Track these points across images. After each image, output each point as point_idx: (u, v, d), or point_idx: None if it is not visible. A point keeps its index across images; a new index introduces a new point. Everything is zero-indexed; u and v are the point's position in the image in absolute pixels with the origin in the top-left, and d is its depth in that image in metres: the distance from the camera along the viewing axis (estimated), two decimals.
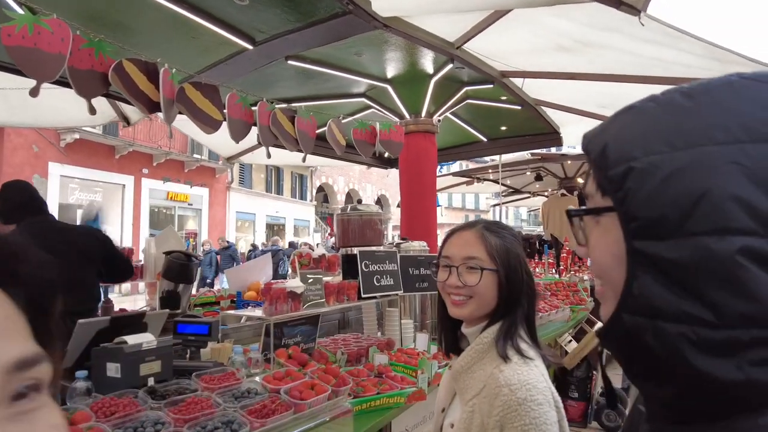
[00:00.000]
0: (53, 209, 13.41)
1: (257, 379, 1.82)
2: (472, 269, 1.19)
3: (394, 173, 5.44)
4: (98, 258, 2.85)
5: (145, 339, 1.77)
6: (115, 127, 14.04)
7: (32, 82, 2.11)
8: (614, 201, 0.47)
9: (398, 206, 5.24)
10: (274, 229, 21.76)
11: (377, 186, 26.32)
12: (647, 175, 0.45)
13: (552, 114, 5.33)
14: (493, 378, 1.09)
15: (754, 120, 0.43)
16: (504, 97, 4.87)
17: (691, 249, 0.41)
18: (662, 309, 0.43)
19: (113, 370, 1.70)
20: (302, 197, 23.18)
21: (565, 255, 6.85)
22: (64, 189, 13.26)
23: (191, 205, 17.30)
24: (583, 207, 0.55)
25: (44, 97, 3.69)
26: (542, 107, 5.08)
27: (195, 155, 16.86)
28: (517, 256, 1.22)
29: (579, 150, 3.90)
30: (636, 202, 0.45)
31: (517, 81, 4.48)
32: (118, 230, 14.12)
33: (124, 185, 14.88)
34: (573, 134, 5.88)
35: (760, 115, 0.43)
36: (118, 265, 3.00)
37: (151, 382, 1.72)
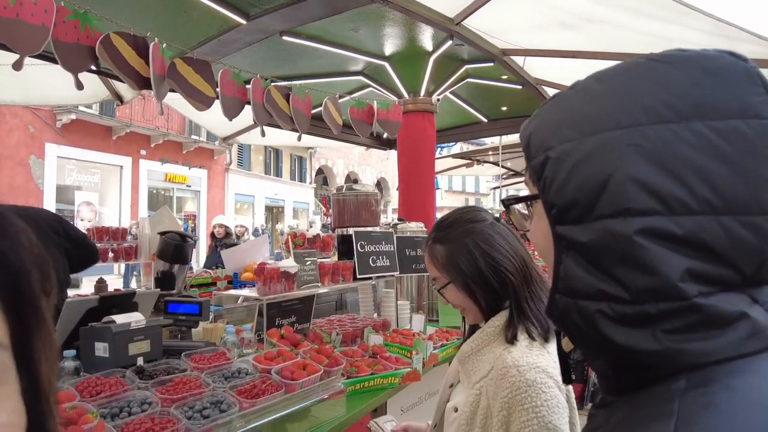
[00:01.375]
0: (51, 191, 13.17)
1: (248, 359, 1.79)
2: (441, 289, 1.19)
3: (394, 156, 5.37)
4: (57, 238, 2.60)
5: (134, 318, 1.74)
6: (111, 107, 13.89)
7: (16, 56, 2.04)
8: (538, 189, 0.50)
9: (398, 189, 5.18)
10: (274, 211, 21.72)
11: (377, 169, 26.18)
12: (560, 163, 0.47)
13: (553, 94, 5.24)
14: (501, 359, 1.04)
15: (655, 102, 0.44)
16: (505, 76, 4.78)
17: (599, 232, 0.44)
18: (581, 289, 0.46)
19: (101, 349, 1.67)
20: (301, 179, 23.08)
21: None
22: (62, 170, 13.16)
23: (190, 186, 17.22)
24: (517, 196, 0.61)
25: (33, 73, 3.62)
26: (543, 87, 4.99)
27: (193, 136, 16.72)
28: (467, 255, 1.12)
29: None
30: (552, 189, 0.48)
31: (518, 59, 4.39)
32: (116, 212, 14.09)
33: (121, 166, 14.79)
34: None
35: (660, 97, 0.45)
36: (77, 244, 2.72)
37: (140, 361, 1.69)
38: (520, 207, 0.62)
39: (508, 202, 0.63)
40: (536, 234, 0.55)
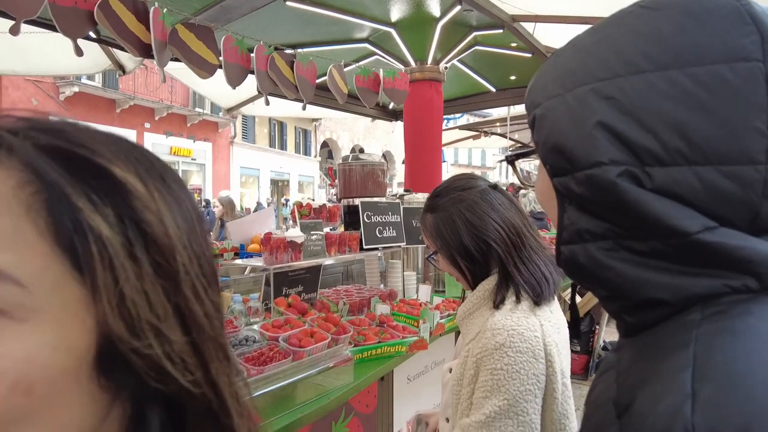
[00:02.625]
0: None
1: (255, 327, 1.79)
2: (429, 257, 1.23)
3: (399, 129, 5.29)
4: None
5: None
6: (115, 80, 13.76)
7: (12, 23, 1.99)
8: (534, 145, 0.52)
9: (403, 162, 5.12)
10: (279, 185, 21.71)
11: (382, 142, 25.97)
12: (543, 120, 0.49)
13: None
14: (485, 323, 1.05)
15: (633, 52, 0.44)
16: (514, 44, 4.65)
17: (584, 182, 0.45)
18: (586, 233, 0.47)
19: None
20: (306, 152, 22.98)
21: None
22: None
23: (195, 160, 17.20)
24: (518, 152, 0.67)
25: (33, 42, 3.56)
26: None
27: (197, 109, 16.60)
28: (451, 224, 1.13)
29: None
30: (540, 146, 0.49)
31: (528, 26, 4.26)
32: None
33: None
34: None
35: (640, 47, 0.44)
36: None
37: None
38: (529, 166, 0.64)
39: (510, 158, 0.65)
40: (539, 187, 0.56)
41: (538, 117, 0.49)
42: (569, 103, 0.46)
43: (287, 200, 14.61)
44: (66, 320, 0.30)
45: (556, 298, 1.15)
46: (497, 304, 1.06)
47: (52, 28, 2.24)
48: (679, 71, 0.41)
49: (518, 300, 1.06)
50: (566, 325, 1.16)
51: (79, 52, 2.25)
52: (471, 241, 1.11)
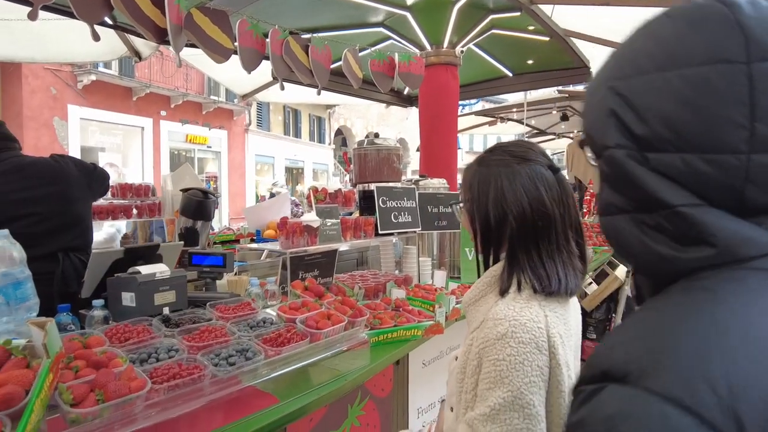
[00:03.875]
0: (76, 152, 13.39)
1: (272, 310, 1.80)
2: (454, 204, 1.25)
3: (413, 116, 5.24)
4: (82, 183, 2.52)
5: (159, 269, 1.75)
6: (131, 68, 13.87)
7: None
8: None
9: (417, 150, 5.07)
10: (294, 172, 21.77)
11: (396, 129, 25.80)
12: (583, 112, 0.60)
13: (582, 46, 4.98)
14: (489, 312, 1.02)
15: (644, 55, 0.53)
16: (531, 27, 4.56)
17: (607, 161, 0.55)
18: (614, 204, 0.55)
19: (128, 299, 1.69)
20: (320, 140, 22.96)
21: (588, 197, 6.77)
22: (84, 131, 13.32)
23: (210, 147, 17.30)
24: None
25: (50, 29, 3.59)
26: (572, 38, 4.74)
27: (212, 96, 16.66)
28: (484, 183, 1.09)
29: None
30: (584, 134, 0.60)
31: (546, 8, 4.16)
32: (139, 173, 14.27)
33: (143, 128, 14.87)
34: None
35: (649, 50, 0.52)
36: (97, 177, 2.67)
37: (166, 311, 1.71)
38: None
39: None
40: (594, 172, 0.65)
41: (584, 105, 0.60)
42: (600, 95, 0.56)
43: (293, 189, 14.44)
44: None
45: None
46: (503, 292, 1.03)
47: (70, 14, 2.25)
48: (673, 72, 0.49)
49: (519, 289, 1.02)
50: (579, 316, 1.12)
51: (95, 36, 2.26)
52: (493, 207, 1.07)
